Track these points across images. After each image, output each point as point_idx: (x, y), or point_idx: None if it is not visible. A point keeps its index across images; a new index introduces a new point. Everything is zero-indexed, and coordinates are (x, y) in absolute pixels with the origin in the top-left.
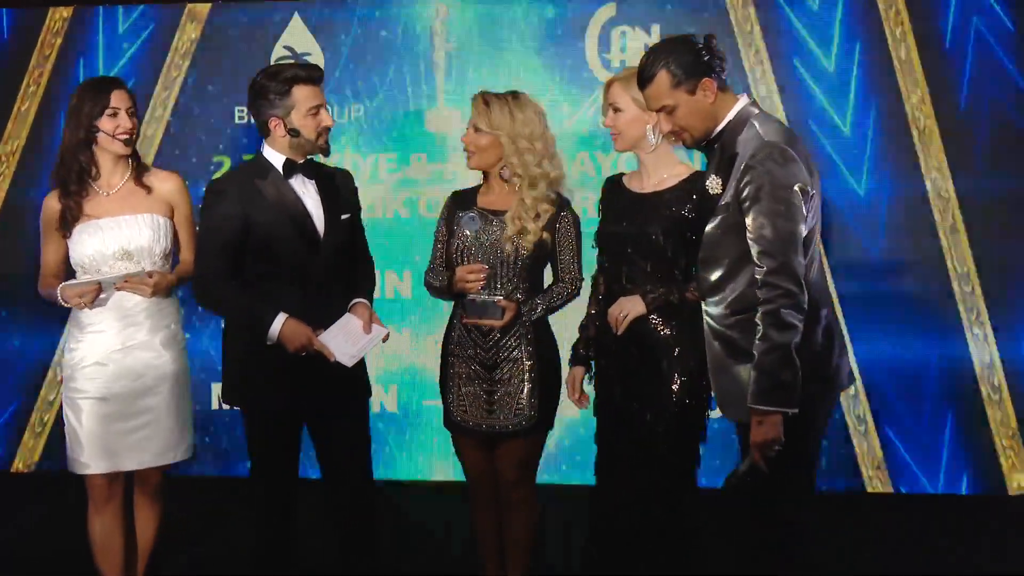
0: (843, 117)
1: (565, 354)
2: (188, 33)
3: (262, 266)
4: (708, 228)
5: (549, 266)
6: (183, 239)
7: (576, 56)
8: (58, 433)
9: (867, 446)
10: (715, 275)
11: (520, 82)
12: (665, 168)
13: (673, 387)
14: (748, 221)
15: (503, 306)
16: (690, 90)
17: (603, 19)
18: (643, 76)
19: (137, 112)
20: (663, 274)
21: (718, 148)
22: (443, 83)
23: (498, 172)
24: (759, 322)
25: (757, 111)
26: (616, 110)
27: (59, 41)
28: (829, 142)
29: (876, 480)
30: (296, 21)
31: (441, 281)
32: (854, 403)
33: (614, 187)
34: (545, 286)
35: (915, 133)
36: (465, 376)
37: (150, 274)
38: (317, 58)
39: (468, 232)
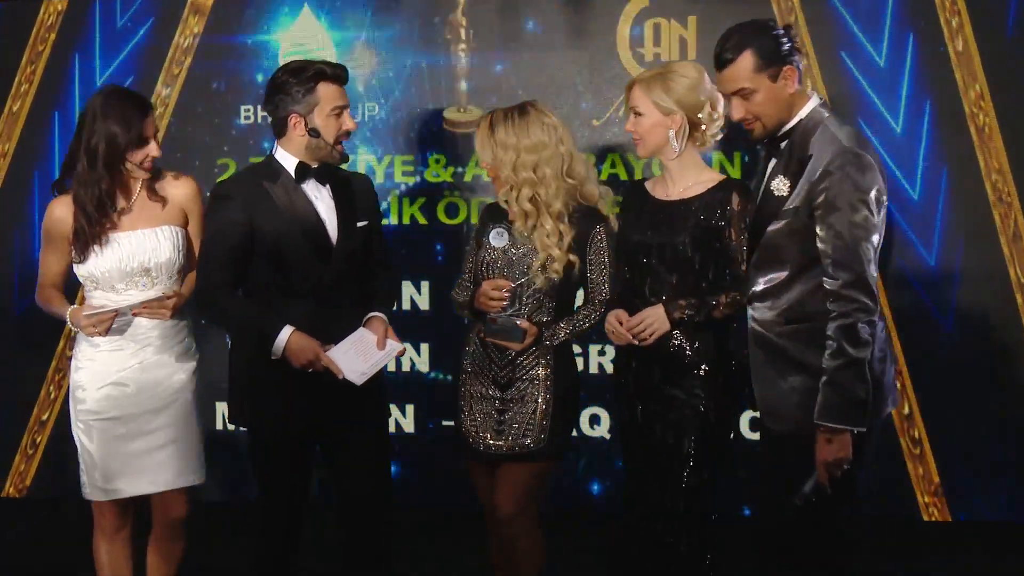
0: (895, 115)
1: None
2: (191, 27)
3: (270, 276)
4: (770, 230)
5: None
6: (195, 250)
7: (606, 50)
8: (53, 456)
9: (923, 470)
10: (770, 280)
11: (545, 78)
12: (692, 174)
13: (700, 408)
14: (821, 229)
15: (524, 328)
16: (772, 76)
17: (635, 10)
18: (723, 56)
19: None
20: (690, 287)
21: (787, 147)
22: (463, 79)
23: (502, 196)
24: (832, 336)
25: (828, 113)
26: (637, 114)
27: (53, 36)
28: (880, 141)
29: (933, 507)
30: (307, 13)
31: (465, 296)
32: (908, 423)
33: (637, 194)
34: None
35: (973, 132)
36: (478, 395)
37: (168, 296)
38: (328, 52)
39: (495, 245)
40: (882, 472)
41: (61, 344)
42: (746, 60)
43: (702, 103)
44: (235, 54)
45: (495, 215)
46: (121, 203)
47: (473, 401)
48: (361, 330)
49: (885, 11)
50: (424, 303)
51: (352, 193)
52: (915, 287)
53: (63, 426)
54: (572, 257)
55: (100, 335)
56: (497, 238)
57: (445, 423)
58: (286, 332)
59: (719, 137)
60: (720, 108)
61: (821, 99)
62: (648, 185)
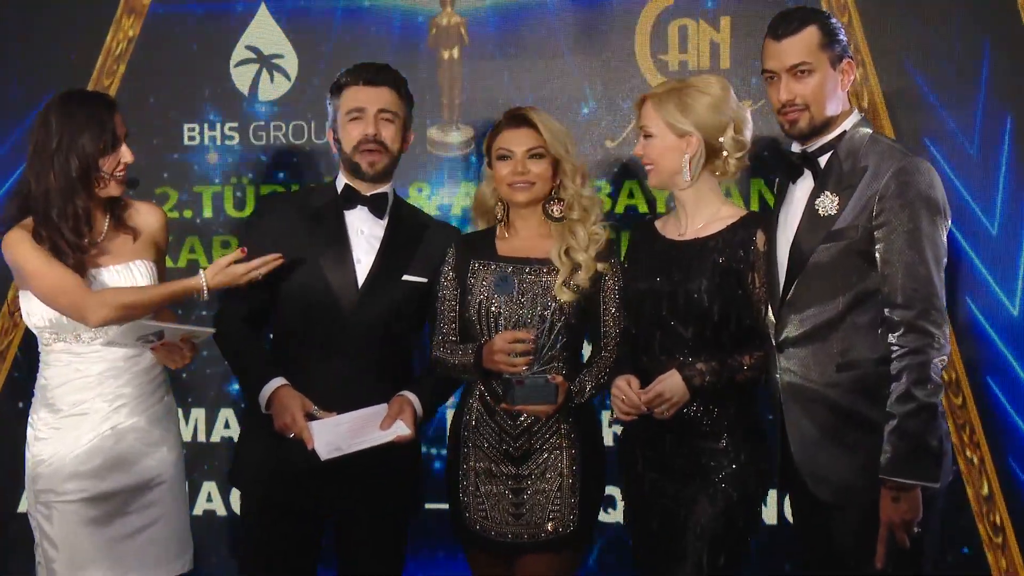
0: (968, 133)
1: None
2: (124, 29)
3: (291, 322)
4: (815, 258)
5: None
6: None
7: (623, 57)
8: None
9: (1006, 563)
10: (814, 319)
11: (549, 90)
12: (709, 209)
13: (721, 486)
14: (885, 251)
15: (557, 384)
16: (833, 61)
17: (658, 10)
18: (786, 25)
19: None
20: (708, 343)
21: (830, 162)
22: (451, 92)
23: (543, 207)
24: (900, 376)
25: (871, 129)
26: (647, 135)
27: None
28: (950, 164)
29: None
30: (263, 14)
31: (462, 356)
32: (987, 506)
33: (645, 233)
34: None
35: None
36: (484, 472)
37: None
38: (290, 60)
39: (500, 295)
40: (957, 566)
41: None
42: (811, 33)
43: (724, 124)
44: (177, 61)
45: (475, 250)
46: (91, 235)
47: (479, 480)
48: (378, 407)
49: (955, 9)
50: None
51: (418, 240)
52: (991, 337)
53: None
54: (601, 266)
55: (183, 361)
56: (502, 287)
57: (431, 506)
58: (273, 384)
59: (743, 167)
60: (747, 132)
61: (863, 114)
62: (658, 224)
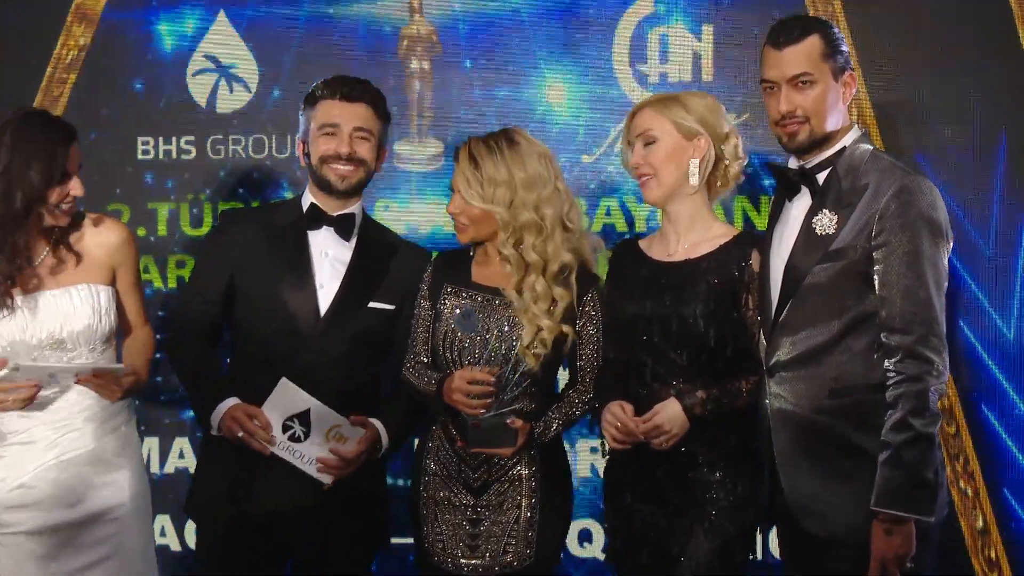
0: (963, 147)
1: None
2: (75, 37)
3: (251, 344)
4: (809, 279)
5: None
6: (130, 312)
7: (600, 68)
8: None
9: None
10: (808, 342)
11: (522, 102)
12: (700, 228)
13: (717, 520)
14: (885, 272)
15: (517, 429)
16: (835, 73)
17: (638, 17)
18: (787, 33)
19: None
20: (704, 369)
21: (828, 178)
22: (419, 105)
23: (498, 247)
24: (896, 403)
25: (872, 146)
26: (649, 142)
27: None
28: (943, 182)
29: None
30: (222, 22)
31: (427, 385)
32: (982, 540)
33: (629, 255)
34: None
35: None
36: (445, 502)
37: (126, 373)
38: (249, 70)
39: (461, 333)
40: None
41: None
42: (814, 42)
43: (725, 130)
44: (131, 71)
45: (450, 272)
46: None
47: (439, 510)
48: (342, 419)
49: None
50: None
51: (386, 264)
52: (991, 369)
53: None
54: (565, 328)
55: (15, 409)
56: (462, 324)
57: (397, 541)
58: (227, 404)
59: (738, 180)
60: (740, 142)
61: (863, 131)
62: (643, 244)
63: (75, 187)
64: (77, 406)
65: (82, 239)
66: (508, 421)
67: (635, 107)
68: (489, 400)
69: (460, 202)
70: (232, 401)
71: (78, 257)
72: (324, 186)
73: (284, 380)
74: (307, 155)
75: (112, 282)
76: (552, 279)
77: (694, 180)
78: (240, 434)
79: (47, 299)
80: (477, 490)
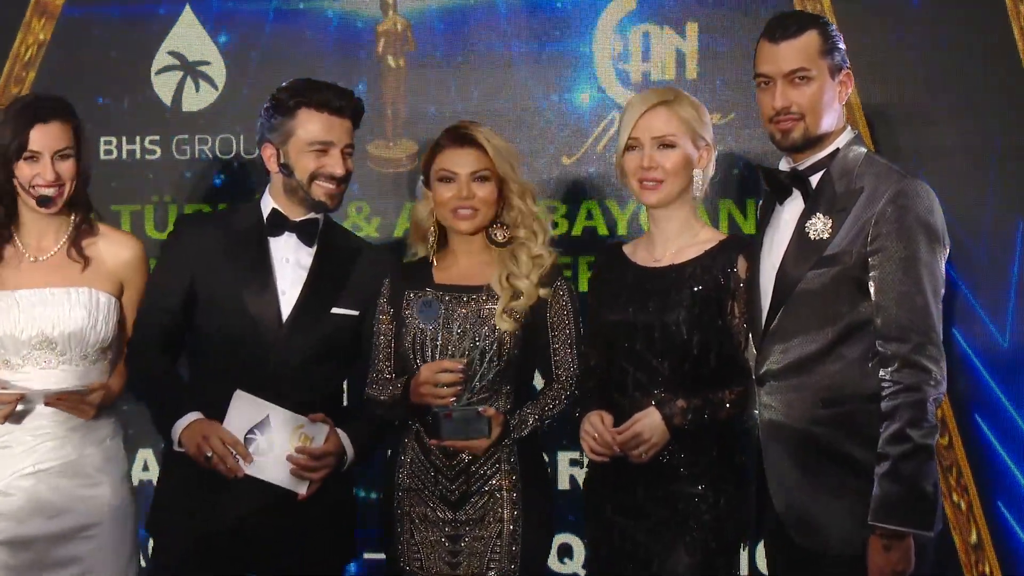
0: (956, 151)
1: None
2: (35, 32)
3: (211, 356)
4: (801, 285)
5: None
6: (127, 328)
7: (580, 67)
8: None
9: None
10: (800, 350)
11: (499, 103)
12: (687, 233)
13: (699, 534)
14: (880, 279)
15: (490, 417)
16: (832, 71)
17: (619, 15)
18: (785, 28)
19: (82, 150)
20: (687, 379)
21: (822, 181)
22: (393, 103)
23: (486, 232)
24: (893, 414)
25: (866, 148)
26: (665, 145)
27: None
28: (936, 186)
29: None
30: (188, 17)
31: (392, 391)
32: (976, 555)
33: (613, 260)
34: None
35: None
36: (421, 517)
37: (91, 390)
38: (217, 68)
39: (424, 325)
40: None
41: None
42: (812, 38)
43: (714, 140)
44: (93, 68)
45: (411, 279)
46: (32, 252)
47: (414, 526)
48: (306, 420)
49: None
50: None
51: (349, 269)
52: (979, 372)
53: None
54: (543, 292)
55: (83, 416)
56: (425, 312)
57: (370, 556)
58: (188, 419)
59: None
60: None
61: (857, 132)
62: (627, 249)
63: (46, 170)
64: (61, 415)
65: (94, 245)
66: (480, 409)
67: (640, 102)
68: (459, 388)
69: (470, 185)
70: (194, 416)
71: (86, 261)
72: (313, 205)
73: (239, 392)
74: (285, 166)
75: (118, 294)
76: (540, 251)
77: (698, 191)
78: (209, 454)
79: (44, 296)
80: (455, 503)
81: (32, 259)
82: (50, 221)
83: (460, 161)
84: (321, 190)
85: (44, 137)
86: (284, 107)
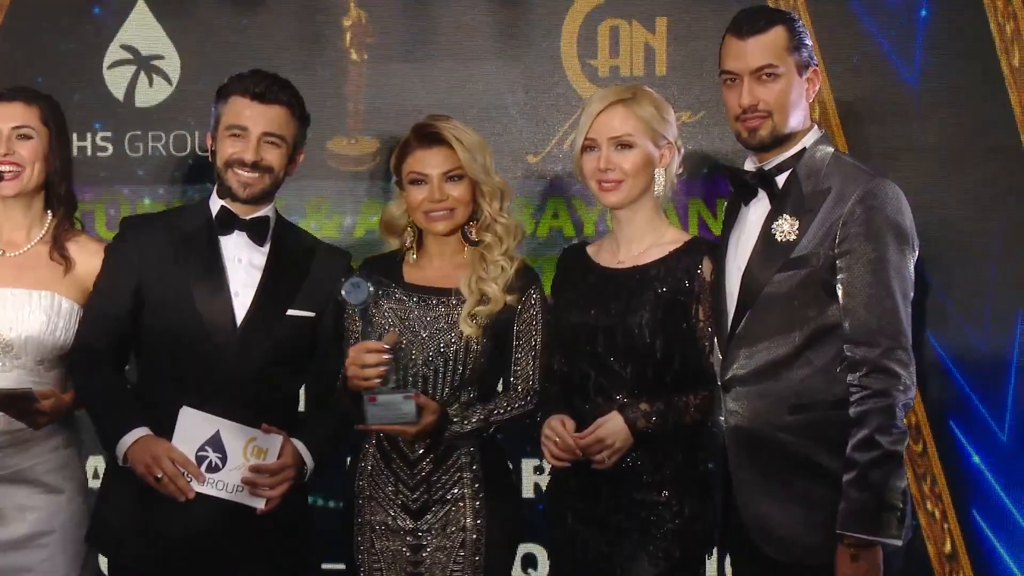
0: (931, 149)
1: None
2: None
3: (160, 363)
4: (768, 289)
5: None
6: None
7: (546, 61)
8: None
9: None
10: (766, 355)
11: (464, 98)
12: (651, 233)
13: (663, 543)
14: (849, 282)
15: (421, 404)
16: (799, 67)
17: (587, 8)
18: (753, 23)
19: (53, 139)
20: (649, 383)
21: (788, 181)
22: (355, 98)
23: (462, 231)
24: (861, 420)
25: (833, 148)
26: (623, 145)
27: None
28: (909, 186)
29: None
30: (141, 9)
31: (339, 382)
32: (950, 566)
33: (576, 261)
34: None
35: None
36: (380, 526)
37: (44, 396)
38: (171, 61)
39: (351, 301)
40: None
41: None
42: (779, 33)
43: (678, 138)
44: (41, 64)
45: (384, 274)
46: (2, 245)
47: (375, 536)
48: (257, 433)
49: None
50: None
51: (304, 269)
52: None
53: None
54: (511, 299)
55: (36, 426)
56: (352, 291)
57: (328, 566)
58: (135, 435)
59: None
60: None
61: (824, 131)
62: (590, 250)
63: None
64: (13, 422)
65: (78, 252)
66: (410, 394)
67: (598, 101)
68: (384, 369)
69: (443, 186)
70: (141, 432)
71: (67, 265)
72: (225, 192)
73: (185, 408)
74: (212, 152)
75: (82, 302)
76: (509, 254)
77: (660, 190)
78: (159, 475)
79: (4, 296)
80: (416, 512)
81: (1, 252)
82: (23, 214)
83: (431, 162)
84: (235, 178)
85: (2, 112)
86: (221, 95)
